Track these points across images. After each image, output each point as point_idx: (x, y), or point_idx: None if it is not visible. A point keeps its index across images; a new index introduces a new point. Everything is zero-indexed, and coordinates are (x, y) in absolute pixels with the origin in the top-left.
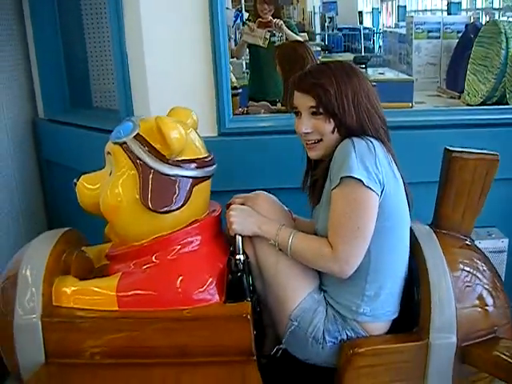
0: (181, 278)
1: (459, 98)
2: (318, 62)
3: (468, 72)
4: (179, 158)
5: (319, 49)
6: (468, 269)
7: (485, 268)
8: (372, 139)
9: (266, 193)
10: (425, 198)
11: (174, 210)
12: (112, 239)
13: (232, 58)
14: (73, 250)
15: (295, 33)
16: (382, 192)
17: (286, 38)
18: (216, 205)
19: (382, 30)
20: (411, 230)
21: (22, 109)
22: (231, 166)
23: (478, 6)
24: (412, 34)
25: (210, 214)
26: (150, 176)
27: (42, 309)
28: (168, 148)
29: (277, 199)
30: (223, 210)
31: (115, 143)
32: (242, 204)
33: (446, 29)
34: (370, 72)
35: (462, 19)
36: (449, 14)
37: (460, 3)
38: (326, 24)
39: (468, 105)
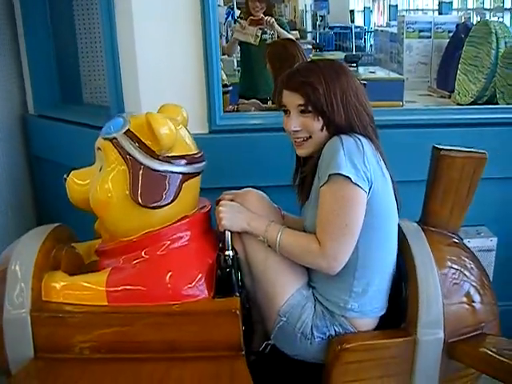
0: (170, 273)
1: (450, 97)
2: (310, 58)
3: (458, 72)
4: (169, 154)
5: (310, 47)
6: (455, 266)
7: (472, 265)
8: (360, 137)
9: (255, 190)
10: (415, 196)
11: (163, 206)
12: (102, 235)
13: (223, 55)
14: (62, 245)
15: (287, 31)
16: (370, 189)
17: (278, 36)
18: (205, 201)
19: (373, 29)
20: (399, 226)
21: (12, 104)
22: (221, 162)
23: (469, 6)
24: (403, 34)
25: (199, 210)
26: (140, 172)
27: (31, 304)
28: (158, 144)
29: (266, 196)
30: (213, 206)
31: (105, 139)
32: (232, 200)
33: (437, 28)
34: (361, 71)
35: (453, 19)
36: (440, 13)
37: (451, 3)
38: (317, 22)
39: (458, 104)
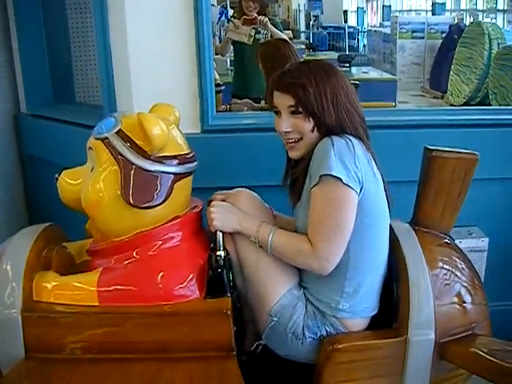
0: (161, 273)
1: (442, 98)
2: (303, 58)
3: (451, 72)
4: (161, 154)
5: (304, 47)
6: (447, 266)
7: (463, 266)
8: (351, 137)
9: (247, 190)
10: (406, 196)
11: (155, 206)
12: (93, 235)
13: (216, 54)
14: (54, 245)
15: (280, 30)
16: (361, 190)
17: (271, 36)
18: (197, 201)
19: (366, 30)
20: (391, 227)
21: (4, 103)
22: (214, 162)
23: (462, 6)
24: (396, 34)
25: (191, 211)
26: (132, 172)
27: (22, 304)
28: (150, 144)
29: (258, 196)
30: (204, 206)
31: (97, 138)
32: (223, 200)
33: (431, 29)
34: (354, 71)
35: (446, 20)
36: (433, 14)
37: (444, 4)
38: (311, 22)
39: (451, 105)
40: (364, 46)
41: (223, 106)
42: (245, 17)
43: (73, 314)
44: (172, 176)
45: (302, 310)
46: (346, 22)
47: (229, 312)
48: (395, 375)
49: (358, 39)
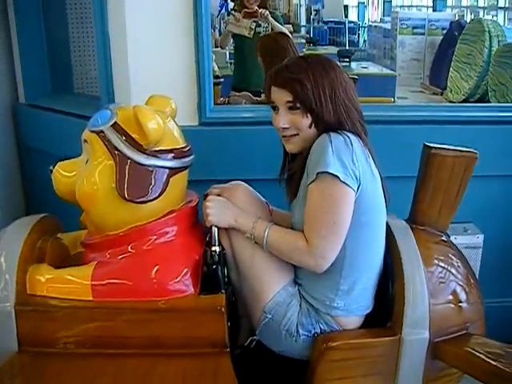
0: (156, 268)
1: (442, 94)
2: (303, 53)
3: (451, 69)
4: (156, 148)
5: (304, 41)
6: (443, 264)
7: (459, 264)
8: (349, 134)
9: (243, 184)
10: (404, 192)
11: (150, 201)
12: (88, 227)
13: (216, 47)
14: (48, 237)
15: (281, 24)
16: (358, 187)
17: (272, 29)
18: (193, 194)
19: (367, 25)
20: (387, 224)
21: (3, 94)
22: (211, 155)
23: (464, 3)
24: (397, 30)
25: (186, 205)
26: (127, 166)
27: (15, 297)
28: (145, 138)
29: (254, 191)
30: (200, 199)
31: (92, 131)
32: (219, 195)
33: (431, 25)
34: (354, 66)
35: (447, 16)
36: (434, 10)
37: (445, 0)
38: (311, 16)
39: (450, 102)
40: (364, 41)
41: (222, 99)
42: (245, 10)
43: (66, 309)
44: (167, 170)
45: (297, 307)
46: (346, 16)
47: (223, 309)
48: (388, 373)
49: (359, 34)
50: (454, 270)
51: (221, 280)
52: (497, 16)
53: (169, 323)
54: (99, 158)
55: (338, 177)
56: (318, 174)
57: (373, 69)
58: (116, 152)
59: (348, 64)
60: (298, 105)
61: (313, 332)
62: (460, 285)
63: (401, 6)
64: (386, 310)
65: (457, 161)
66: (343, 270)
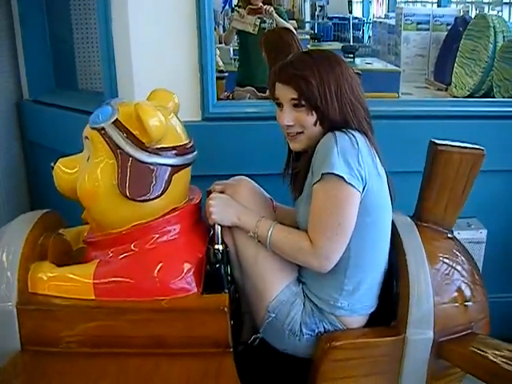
0: (159, 267)
1: (446, 90)
2: (307, 49)
3: (456, 65)
4: (159, 146)
5: (308, 37)
6: (448, 262)
7: (464, 262)
8: (355, 133)
9: (247, 179)
10: (408, 187)
11: (152, 199)
12: (89, 223)
13: (220, 43)
14: (50, 233)
15: (285, 20)
16: (363, 188)
17: (276, 25)
18: (196, 191)
19: (372, 20)
20: (392, 221)
21: (7, 90)
22: (214, 150)
23: None
24: (401, 25)
25: (189, 202)
26: (129, 164)
27: (17, 296)
28: (147, 136)
29: (258, 186)
30: (203, 196)
31: (93, 128)
32: (222, 192)
33: (436, 21)
34: (358, 62)
35: (452, 12)
36: (439, 6)
37: None
38: (316, 12)
39: (454, 97)
40: (369, 37)
41: (226, 93)
42: (250, 6)
43: (68, 308)
44: (170, 168)
45: (300, 306)
46: (350, 12)
47: (226, 309)
48: (392, 373)
49: (363, 30)
50: (459, 268)
51: (224, 279)
52: (502, 11)
53: (172, 323)
54: (100, 156)
55: (343, 178)
56: (323, 174)
57: (377, 64)
58: (117, 150)
59: (352, 60)
60: (303, 102)
61: (316, 331)
62: (465, 283)
63: (405, 2)
64: (390, 308)
65: (464, 158)
66: (348, 270)
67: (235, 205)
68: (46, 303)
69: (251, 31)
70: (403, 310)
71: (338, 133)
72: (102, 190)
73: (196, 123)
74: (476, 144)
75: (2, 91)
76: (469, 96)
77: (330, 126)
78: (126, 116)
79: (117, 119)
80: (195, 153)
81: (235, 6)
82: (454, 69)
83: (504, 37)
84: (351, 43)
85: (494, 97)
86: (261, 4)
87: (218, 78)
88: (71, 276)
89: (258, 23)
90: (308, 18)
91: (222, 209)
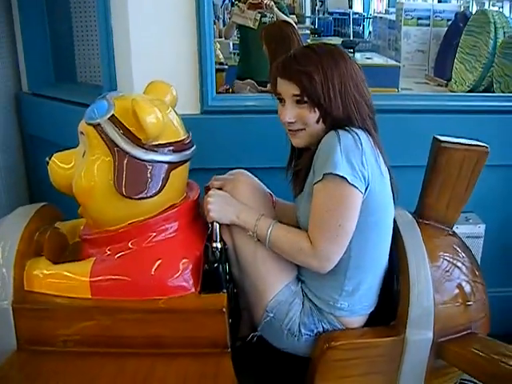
0: (156, 265)
1: (446, 85)
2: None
3: (456, 60)
4: (155, 143)
5: (308, 32)
6: (448, 260)
7: (465, 261)
8: (358, 131)
9: (246, 174)
10: (409, 182)
11: (149, 197)
12: (86, 219)
13: (221, 37)
14: (47, 227)
15: (286, 15)
16: (366, 189)
17: (277, 19)
18: (194, 186)
19: (372, 16)
20: (394, 218)
21: (6, 82)
22: (213, 144)
23: None
24: (401, 21)
25: (187, 199)
26: (125, 161)
27: (13, 294)
28: (144, 133)
29: (258, 181)
30: (201, 191)
31: (89, 124)
32: (221, 188)
33: (436, 16)
34: (358, 57)
35: (452, 7)
36: (439, 1)
37: None
38: (316, 7)
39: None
40: (370, 32)
41: (225, 86)
42: (250, 1)
43: (64, 307)
44: (167, 165)
45: (299, 306)
46: (351, 7)
47: (224, 309)
48: (390, 372)
49: (364, 25)
50: (460, 267)
51: (222, 279)
52: (502, 7)
53: (169, 323)
54: (96, 153)
55: (346, 179)
56: (325, 174)
57: (377, 59)
58: (114, 147)
59: (352, 55)
60: (306, 99)
61: (315, 331)
62: (466, 282)
63: None
64: (389, 305)
65: (467, 155)
66: (348, 271)
67: (234, 203)
68: (42, 302)
69: (251, 26)
70: (403, 311)
71: (341, 131)
72: (99, 188)
73: (195, 116)
74: (475, 138)
75: (1, 84)
76: (469, 92)
77: (333, 123)
78: (123, 111)
79: (113, 115)
80: (193, 148)
81: (236, 0)
82: (454, 64)
83: (504, 33)
84: (351, 38)
85: (493, 92)
86: None
87: (218, 70)
88: (67, 274)
89: (258, 18)
90: (308, 13)
91: (220, 207)
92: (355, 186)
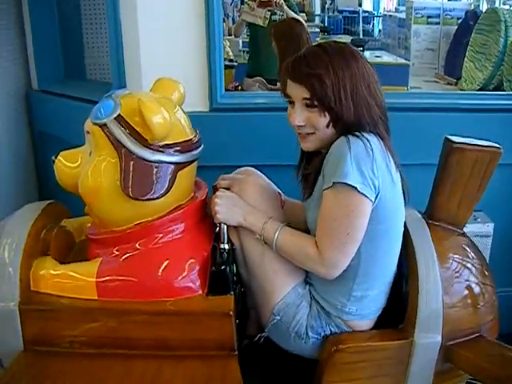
0: (163, 266)
1: (456, 84)
2: (316, 42)
3: (466, 59)
4: (163, 143)
5: (318, 30)
6: (458, 262)
7: (475, 263)
8: (369, 137)
9: (254, 173)
10: (418, 180)
11: (156, 198)
12: (92, 218)
13: (230, 35)
14: (53, 225)
15: (295, 12)
16: (376, 197)
17: (286, 17)
18: (201, 184)
19: (382, 14)
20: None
21: (16, 80)
22: (222, 141)
23: None
24: (411, 19)
25: (194, 199)
26: (131, 162)
27: (19, 295)
28: (150, 133)
29: (266, 180)
30: (209, 190)
31: (95, 124)
32: (229, 188)
33: (446, 15)
34: (367, 55)
35: (463, 6)
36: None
37: None
38: (326, 6)
39: None
40: (379, 30)
41: (234, 83)
42: None
43: (71, 308)
44: (174, 166)
45: (306, 309)
46: (360, 5)
47: (231, 312)
48: (398, 375)
49: (373, 24)
50: (469, 268)
51: (229, 281)
52: None
53: (176, 325)
54: (103, 154)
55: (355, 188)
56: (334, 183)
57: (386, 58)
58: (120, 147)
59: (361, 53)
60: (316, 102)
61: (323, 335)
62: (476, 284)
63: None
64: (398, 306)
65: (480, 156)
66: (357, 277)
67: (242, 204)
68: (49, 302)
69: (261, 24)
70: (411, 314)
71: (351, 138)
72: (105, 189)
73: (204, 114)
74: (485, 137)
75: (10, 81)
76: (479, 90)
77: (344, 128)
78: (129, 111)
79: (119, 114)
80: (201, 147)
81: None
82: (464, 63)
83: None
84: (361, 37)
85: (504, 91)
86: None
87: (227, 66)
88: (74, 274)
89: (268, 16)
90: (318, 11)
91: (227, 208)
92: (365, 195)
